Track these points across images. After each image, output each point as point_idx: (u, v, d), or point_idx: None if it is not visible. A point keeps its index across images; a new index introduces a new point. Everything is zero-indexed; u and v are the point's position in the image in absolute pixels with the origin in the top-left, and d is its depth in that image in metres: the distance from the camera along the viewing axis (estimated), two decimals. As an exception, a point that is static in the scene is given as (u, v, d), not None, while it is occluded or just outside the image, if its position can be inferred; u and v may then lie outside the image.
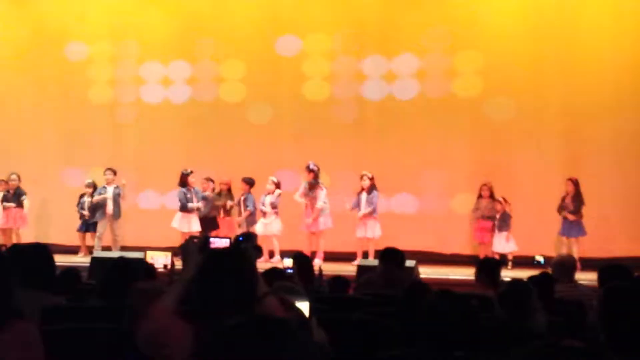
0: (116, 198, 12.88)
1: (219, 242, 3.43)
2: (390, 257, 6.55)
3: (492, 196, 12.16)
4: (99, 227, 12.88)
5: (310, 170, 12.00)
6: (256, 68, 13.71)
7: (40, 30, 14.46)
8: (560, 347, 2.79)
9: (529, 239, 12.59)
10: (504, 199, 12.06)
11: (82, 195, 13.26)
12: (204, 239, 3.29)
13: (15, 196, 13.20)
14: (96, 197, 12.93)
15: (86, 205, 13.12)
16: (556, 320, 4.46)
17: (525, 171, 12.57)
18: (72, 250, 12.99)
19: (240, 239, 3.80)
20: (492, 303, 4.57)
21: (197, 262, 3.02)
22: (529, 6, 12.84)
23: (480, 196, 12.22)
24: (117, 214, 12.89)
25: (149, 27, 14.15)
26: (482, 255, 11.62)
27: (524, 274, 7.20)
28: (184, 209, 12.55)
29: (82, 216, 13.19)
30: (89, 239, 13.20)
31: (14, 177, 13.22)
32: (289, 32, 13.68)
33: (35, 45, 14.40)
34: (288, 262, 6.84)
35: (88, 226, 13.17)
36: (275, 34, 13.70)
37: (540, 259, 10.98)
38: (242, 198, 12.67)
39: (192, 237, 3.21)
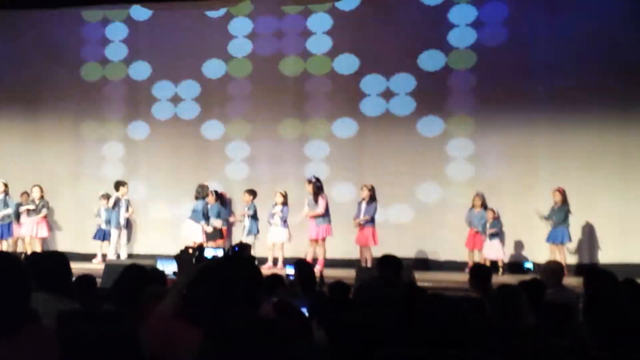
0: (127, 209, 12.93)
1: (213, 252, 3.43)
2: (388, 263, 6.56)
3: (483, 205, 12.20)
4: (113, 236, 12.92)
5: (310, 182, 12.02)
6: (261, 87, 13.78)
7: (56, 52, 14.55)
8: (548, 345, 2.80)
9: (518, 246, 12.63)
10: (491, 209, 12.09)
11: (99, 205, 13.26)
12: (199, 248, 3.28)
13: (38, 207, 13.20)
14: (111, 204, 12.95)
15: (102, 215, 13.13)
16: (544, 322, 4.46)
17: (515, 182, 12.59)
18: (86, 258, 12.96)
19: (236, 249, 3.80)
20: (483, 306, 4.57)
21: (193, 270, 3.03)
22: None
23: (472, 206, 12.26)
24: (128, 224, 12.93)
25: (161, 48, 14.21)
26: (471, 262, 11.65)
27: (514, 279, 7.20)
28: (205, 220, 12.57)
29: (98, 225, 13.19)
30: (104, 247, 13.20)
31: (35, 188, 13.24)
32: (293, 54, 13.75)
33: (51, 65, 14.49)
34: (289, 269, 6.84)
35: (104, 234, 13.18)
36: (280, 55, 13.79)
37: (530, 265, 11.01)
38: (245, 208, 12.75)
39: (187, 247, 3.20)
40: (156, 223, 13.70)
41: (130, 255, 12.82)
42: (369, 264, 11.49)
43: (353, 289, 6.61)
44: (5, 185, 13.20)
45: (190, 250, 3.23)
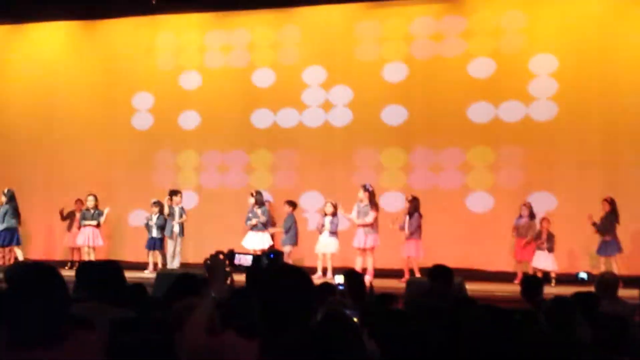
0: (181, 218, 13.04)
1: (243, 258, 3.41)
2: (439, 274, 6.49)
3: (531, 215, 12.02)
4: (169, 245, 13.03)
5: (366, 190, 11.96)
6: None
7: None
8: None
9: (572, 256, 12.38)
10: (545, 218, 11.89)
11: (149, 215, 13.39)
12: (229, 253, 3.25)
13: (95, 215, 13.38)
14: (165, 216, 13.10)
15: (153, 224, 13.27)
16: (600, 336, 4.35)
17: (567, 190, 12.38)
18: (140, 267, 13.11)
19: (271, 255, 3.77)
20: (535, 318, 4.49)
21: (224, 277, 3.01)
22: (572, 24, 12.71)
23: (520, 216, 12.08)
24: (181, 232, 13.04)
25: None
26: (520, 273, 11.52)
27: (567, 290, 7.07)
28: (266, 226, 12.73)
29: (149, 234, 13.32)
30: (156, 256, 13.33)
31: (91, 197, 13.44)
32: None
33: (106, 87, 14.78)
34: (339, 279, 6.80)
35: (155, 244, 13.32)
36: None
37: (584, 275, 10.74)
38: (285, 218, 12.83)
39: (218, 252, 3.17)
40: (208, 232, 13.77)
41: (182, 264, 12.93)
42: (417, 274, 11.46)
43: (404, 300, 6.58)
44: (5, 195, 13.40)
45: (221, 256, 3.20)
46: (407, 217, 11.98)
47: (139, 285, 5.94)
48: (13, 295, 2.80)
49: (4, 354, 2.71)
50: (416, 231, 11.92)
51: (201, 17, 14.63)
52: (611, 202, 11.54)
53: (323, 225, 12.42)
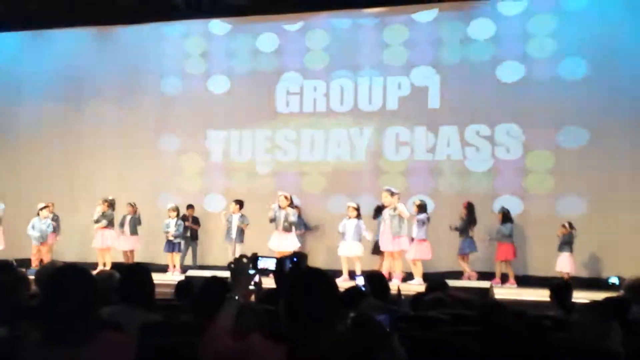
0: (240, 225, 13.16)
1: (266, 261, 3.42)
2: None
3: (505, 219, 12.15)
4: (229, 249, 13.13)
5: (393, 195, 11.91)
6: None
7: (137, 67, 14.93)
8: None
9: (600, 261, 12.23)
10: (569, 224, 11.78)
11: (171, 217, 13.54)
12: (253, 257, 3.24)
13: (105, 218, 13.57)
14: (225, 223, 13.22)
15: (171, 228, 13.42)
16: (629, 342, 4.29)
17: (596, 194, 12.26)
18: (162, 269, 13.19)
19: (295, 259, 3.76)
20: (565, 324, 4.43)
21: (248, 280, 3.01)
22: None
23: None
24: (239, 239, 13.15)
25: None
26: (499, 274, 11.91)
27: (594, 295, 7.00)
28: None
29: (167, 237, 13.47)
30: (174, 259, 13.50)
31: (99, 201, 13.60)
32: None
33: (132, 80, 14.88)
34: (360, 280, 6.71)
35: (173, 246, 13.48)
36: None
37: (615, 279, 10.58)
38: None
39: (241, 256, 3.17)
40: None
41: (208, 267, 12.98)
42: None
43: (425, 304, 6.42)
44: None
45: (245, 260, 3.19)
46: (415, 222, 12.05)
47: (187, 283, 5.97)
48: (43, 296, 2.83)
49: (36, 352, 2.74)
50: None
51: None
52: (468, 207, 12.24)
53: (345, 229, 12.37)
